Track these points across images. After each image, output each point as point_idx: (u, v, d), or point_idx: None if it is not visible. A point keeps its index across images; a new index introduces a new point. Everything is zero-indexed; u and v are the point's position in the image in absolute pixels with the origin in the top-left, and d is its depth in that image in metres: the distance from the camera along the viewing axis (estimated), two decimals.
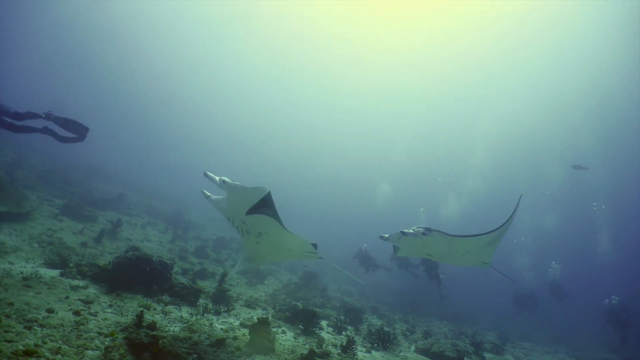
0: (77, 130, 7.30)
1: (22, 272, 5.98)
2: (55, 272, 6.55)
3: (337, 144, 60.50)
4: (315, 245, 5.44)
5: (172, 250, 12.49)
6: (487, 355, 10.68)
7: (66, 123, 7.21)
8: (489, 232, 5.14)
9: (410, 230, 5.38)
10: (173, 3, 47.04)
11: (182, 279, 7.72)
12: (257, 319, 5.91)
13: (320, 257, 5.62)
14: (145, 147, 58.91)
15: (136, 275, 6.69)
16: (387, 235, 5.55)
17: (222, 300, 7.91)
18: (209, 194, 5.61)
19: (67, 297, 5.37)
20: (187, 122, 65.75)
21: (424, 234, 5.30)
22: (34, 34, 49.44)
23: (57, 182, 15.74)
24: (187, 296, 7.04)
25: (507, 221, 5.18)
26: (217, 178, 5.21)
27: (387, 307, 16.17)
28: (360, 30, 47.63)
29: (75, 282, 6.25)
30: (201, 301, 7.33)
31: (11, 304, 4.53)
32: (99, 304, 5.52)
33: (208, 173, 5.27)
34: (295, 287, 11.74)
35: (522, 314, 19.45)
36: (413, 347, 9.23)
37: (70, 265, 7.07)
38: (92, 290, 6.11)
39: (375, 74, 51.47)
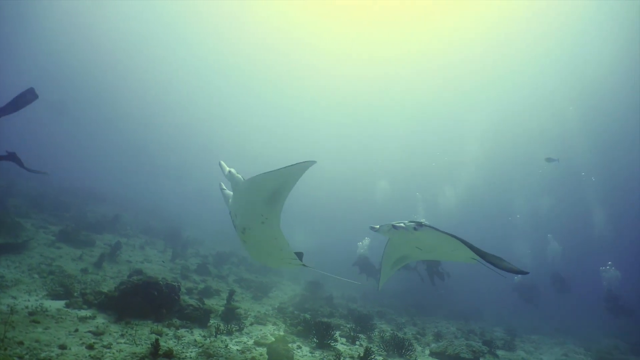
0: (26, 100, 6.16)
1: (27, 307, 5.79)
2: (60, 304, 6.35)
3: (333, 143, 60.54)
4: (300, 254, 5.44)
5: (174, 270, 12.27)
6: (500, 352, 10.63)
7: (14, 106, 5.85)
8: (473, 248, 4.93)
9: (402, 224, 5.24)
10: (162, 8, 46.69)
11: (191, 300, 7.55)
12: (274, 337, 5.78)
13: (303, 265, 5.53)
14: (133, 164, 58.08)
15: (144, 300, 6.53)
16: (378, 226, 5.41)
17: (232, 318, 7.77)
18: (224, 187, 5.79)
19: (76, 330, 5.20)
20: (176, 135, 64.99)
21: (415, 228, 5.16)
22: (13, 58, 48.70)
23: (50, 207, 15.43)
24: (198, 318, 6.88)
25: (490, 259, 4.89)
26: (227, 169, 5.29)
27: (393, 311, 16.06)
28: (355, 27, 47.92)
29: (83, 313, 6.06)
30: (212, 321, 7.18)
31: (21, 342, 4.36)
32: (110, 334, 5.35)
33: (222, 162, 5.43)
34: (301, 299, 11.61)
35: (525, 306, 19.59)
36: (427, 351, 9.15)
37: (75, 294, 6.89)
38: (100, 320, 5.93)
39: (369, 70, 51.73)
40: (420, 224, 5.18)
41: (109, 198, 25.34)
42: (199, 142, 64.31)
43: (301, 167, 4.30)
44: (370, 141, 55.62)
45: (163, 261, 12.98)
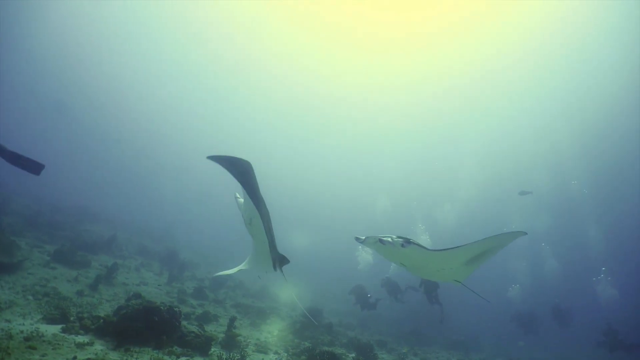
0: (30, 168, 6.33)
1: (22, 331, 5.54)
2: (56, 328, 6.09)
3: (330, 165, 60.97)
4: (284, 259, 5.54)
5: (171, 293, 11.95)
6: None
7: (15, 159, 6.26)
8: (460, 246, 4.79)
9: (389, 239, 5.04)
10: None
11: (191, 327, 7.29)
12: None
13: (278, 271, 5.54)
14: (127, 181, 57.50)
15: (144, 326, 6.28)
16: (363, 238, 5.20)
17: (232, 346, 7.51)
18: (238, 196, 6.01)
19: (74, 358, 4.95)
20: (176, 138, 64.59)
21: (402, 245, 4.98)
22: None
23: (45, 226, 15.13)
24: (199, 345, 6.62)
25: (482, 240, 4.71)
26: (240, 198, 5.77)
27: (392, 339, 15.68)
28: (355, 53, 49.43)
29: (80, 339, 5.80)
30: (213, 349, 6.91)
31: None
32: None
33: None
34: (301, 326, 11.28)
35: (524, 336, 19.22)
36: None
37: (71, 318, 6.63)
38: (99, 346, 5.68)
39: (373, 92, 52.91)
40: (408, 241, 5.01)
41: (103, 217, 24.99)
42: (198, 145, 63.84)
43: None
44: (372, 159, 56.20)
45: (159, 285, 12.66)
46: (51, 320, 6.42)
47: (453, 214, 43.48)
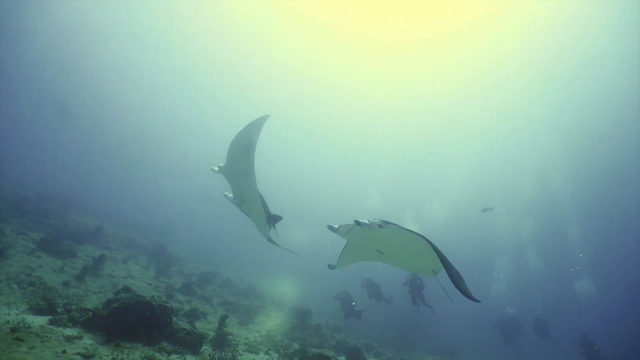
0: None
1: (8, 322, 5.31)
2: (43, 320, 5.87)
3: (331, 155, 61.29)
4: (276, 217, 6.44)
5: (158, 288, 11.72)
6: None
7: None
8: (434, 248, 4.57)
9: (366, 221, 4.78)
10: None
11: (183, 324, 7.12)
12: None
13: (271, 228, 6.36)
14: (116, 174, 56.66)
15: (136, 321, 6.09)
16: (337, 226, 4.92)
17: (223, 344, 7.36)
18: (227, 193, 7.08)
19: (64, 352, 4.76)
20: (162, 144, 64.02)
21: (380, 226, 4.73)
22: None
23: (30, 213, 14.74)
24: (190, 343, 6.46)
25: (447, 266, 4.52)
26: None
27: (378, 343, 15.65)
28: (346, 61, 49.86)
29: (69, 332, 5.60)
30: (204, 348, 6.75)
31: None
32: (100, 357, 4.92)
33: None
34: (290, 327, 11.16)
35: (507, 344, 19.33)
36: None
37: (59, 310, 6.41)
38: (88, 340, 5.48)
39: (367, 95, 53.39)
40: (385, 222, 4.78)
41: (90, 207, 24.52)
42: (192, 143, 63.26)
43: (258, 123, 5.38)
44: (363, 160, 56.57)
45: (149, 283, 12.40)
46: (38, 311, 6.20)
47: (442, 215, 44.06)
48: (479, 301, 4.39)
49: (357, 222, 4.75)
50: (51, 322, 5.82)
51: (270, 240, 6.71)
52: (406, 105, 50.99)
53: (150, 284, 11.85)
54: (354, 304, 15.11)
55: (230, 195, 7.44)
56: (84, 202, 24.94)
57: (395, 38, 46.64)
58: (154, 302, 6.48)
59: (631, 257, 40.12)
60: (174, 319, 7.32)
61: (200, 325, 8.69)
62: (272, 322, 12.68)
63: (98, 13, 45.78)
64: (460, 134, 47.33)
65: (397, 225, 4.76)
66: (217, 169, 7.20)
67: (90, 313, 6.30)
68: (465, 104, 46.53)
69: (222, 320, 7.77)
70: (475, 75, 44.60)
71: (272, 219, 6.47)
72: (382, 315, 21.73)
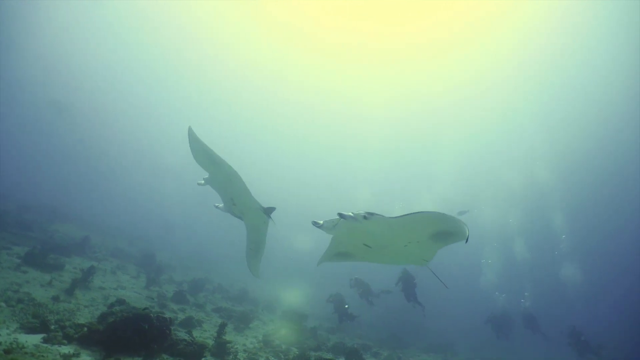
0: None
1: (0, 342, 5.09)
2: (36, 338, 5.65)
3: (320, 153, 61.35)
4: (270, 208, 7.13)
5: (150, 298, 11.46)
6: None
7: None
8: (422, 212, 4.54)
9: (350, 214, 4.64)
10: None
11: (181, 334, 6.96)
12: None
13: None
14: (101, 180, 55.67)
15: (134, 334, 5.92)
16: (322, 222, 4.79)
17: (223, 353, 7.23)
18: (217, 204, 8.10)
19: None
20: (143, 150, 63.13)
21: (365, 217, 4.59)
22: None
23: (13, 226, 14.27)
24: (191, 354, 6.32)
25: (444, 215, 4.53)
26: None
27: (373, 343, 15.66)
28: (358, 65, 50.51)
29: (65, 350, 5.40)
30: (206, 357, 6.61)
31: None
32: None
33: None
34: (287, 331, 11.06)
35: (498, 338, 19.54)
36: None
37: (52, 327, 6.18)
38: (86, 357, 5.30)
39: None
40: (370, 213, 4.65)
41: (73, 217, 23.92)
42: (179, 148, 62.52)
43: (191, 136, 6.95)
44: (353, 151, 56.77)
45: (138, 289, 12.14)
46: (30, 330, 5.96)
47: (430, 208, 44.57)
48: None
49: (340, 215, 4.61)
50: (45, 341, 5.60)
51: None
52: (393, 103, 51.63)
53: (141, 294, 11.59)
54: (347, 306, 15.01)
55: (221, 205, 8.08)
56: (67, 213, 24.32)
57: (382, 40, 47.35)
58: (151, 314, 6.31)
59: (615, 242, 41.31)
60: (172, 329, 7.17)
61: (197, 334, 8.50)
62: (267, 327, 12.57)
63: (98, 13, 45.03)
64: (447, 128, 48.25)
65: (382, 215, 4.63)
66: (203, 182, 7.80)
67: (85, 328, 6.11)
68: (451, 98, 47.51)
69: (221, 329, 7.63)
70: (460, 70, 45.41)
71: (267, 211, 7.08)
72: (375, 314, 21.79)
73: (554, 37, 37.94)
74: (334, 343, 11.87)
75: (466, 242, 4.59)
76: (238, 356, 7.41)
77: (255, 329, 11.90)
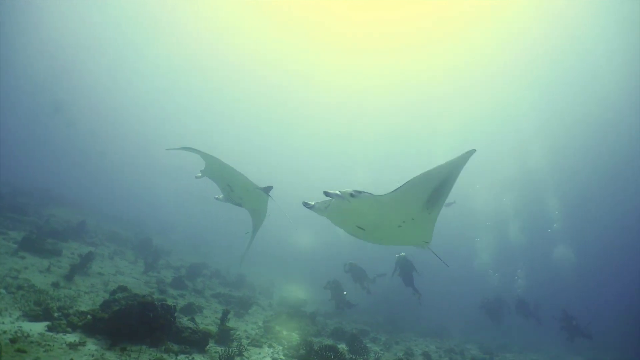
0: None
1: (5, 331, 5.01)
2: (41, 326, 5.58)
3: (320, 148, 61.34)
4: (268, 187, 7.35)
5: (149, 283, 11.43)
6: None
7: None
8: (411, 180, 4.26)
9: (337, 192, 4.42)
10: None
11: (187, 322, 6.92)
12: None
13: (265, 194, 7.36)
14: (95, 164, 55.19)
15: (139, 323, 5.87)
16: (313, 203, 4.62)
17: (226, 340, 7.23)
18: (218, 196, 8.41)
19: None
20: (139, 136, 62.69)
21: (352, 195, 4.35)
22: None
23: (7, 210, 14.05)
24: (196, 342, 6.30)
25: (434, 168, 4.27)
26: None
27: (370, 328, 15.81)
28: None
29: (70, 338, 5.34)
30: (210, 345, 6.61)
31: None
32: None
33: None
34: (287, 317, 11.09)
35: (493, 323, 19.82)
36: None
37: (56, 315, 6.11)
38: (92, 346, 5.25)
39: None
40: (358, 191, 4.43)
41: (68, 200, 23.65)
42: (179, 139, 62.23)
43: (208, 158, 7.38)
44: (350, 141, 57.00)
45: (136, 274, 12.08)
46: (33, 318, 5.88)
47: None
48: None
49: (326, 193, 4.42)
50: (50, 329, 5.54)
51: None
52: (390, 92, 51.48)
53: (140, 279, 11.55)
54: (345, 293, 15.00)
55: (220, 196, 8.32)
56: (62, 196, 24.04)
57: (375, 31, 47.06)
58: (155, 302, 6.26)
59: (607, 224, 41.93)
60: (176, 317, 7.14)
61: (198, 320, 8.50)
62: (266, 313, 12.63)
63: (97, 13, 44.29)
64: (442, 115, 48.46)
65: (370, 193, 4.45)
66: (200, 174, 8.05)
67: (89, 316, 6.04)
68: (446, 86, 47.41)
69: (224, 316, 7.61)
70: (454, 58, 45.27)
71: (266, 190, 7.31)
72: (370, 299, 21.99)
73: (547, 24, 37.85)
74: (333, 328, 11.96)
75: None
76: (242, 342, 7.41)
77: (254, 314, 11.95)
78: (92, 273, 10.29)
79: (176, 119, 62.70)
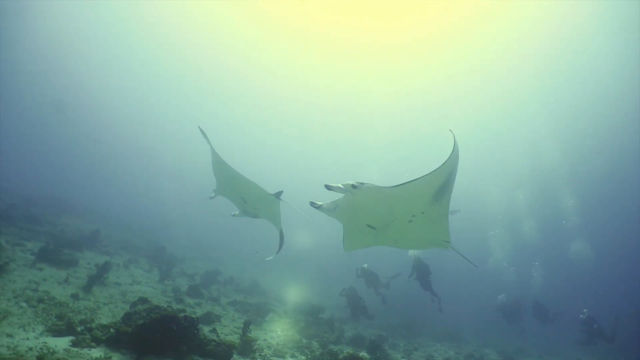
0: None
1: (30, 348, 4.93)
2: (65, 342, 5.50)
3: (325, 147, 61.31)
4: (278, 192, 7.35)
5: (166, 292, 11.35)
6: None
7: None
8: (418, 178, 4.07)
9: (339, 185, 4.22)
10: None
11: (210, 334, 6.81)
12: None
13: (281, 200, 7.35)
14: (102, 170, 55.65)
15: (163, 336, 5.77)
16: (320, 203, 4.45)
17: (249, 351, 7.11)
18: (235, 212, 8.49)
19: None
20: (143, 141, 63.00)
21: (354, 186, 4.14)
22: None
23: (22, 221, 14.08)
24: (220, 355, 6.18)
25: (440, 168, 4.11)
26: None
27: (387, 333, 15.61)
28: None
29: (95, 353, 5.25)
30: (234, 357, 6.49)
31: None
32: None
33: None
34: (305, 324, 10.96)
35: (510, 327, 19.47)
36: None
37: (79, 329, 6.02)
38: None
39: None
40: (361, 183, 4.19)
41: (80, 209, 23.73)
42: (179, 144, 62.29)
43: (213, 155, 7.44)
44: (361, 144, 57.30)
45: (152, 283, 12.01)
46: (57, 333, 5.80)
47: None
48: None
49: (327, 186, 4.23)
50: (74, 344, 5.45)
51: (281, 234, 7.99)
52: (400, 94, 51.56)
53: (156, 289, 11.47)
54: (362, 300, 14.80)
55: (237, 212, 8.44)
56: (74, 205, 24.13)
57: (386, 35, 47.20)
58: (178, 315, 6.16)
59: (624, 219, 41.24)
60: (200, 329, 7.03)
61: (218, 330, 8.40)
62: (282, 320, 12.49)
63: (97, 12, 44.69)
64: (453, 113, 48.37)
65: (374, 185, 4.21)
66: (214, 194, 8.23)
67: (112, 330, 5.97)
68: (457, 85, 47.41)
69: (246, 326, 7.49)
70: (465, 56, 45.18)
71: (277, 195, 7.35)
72: (381, 303, 21.75)
73: (558, 20, 37.55)
74: (352, 335, 11.80)
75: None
76: (264, 353, 7.28)
77: (272, 322, 11.82)
78: (109, 283, 10.24)
79: (192, 120, 63.04)
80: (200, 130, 7.25)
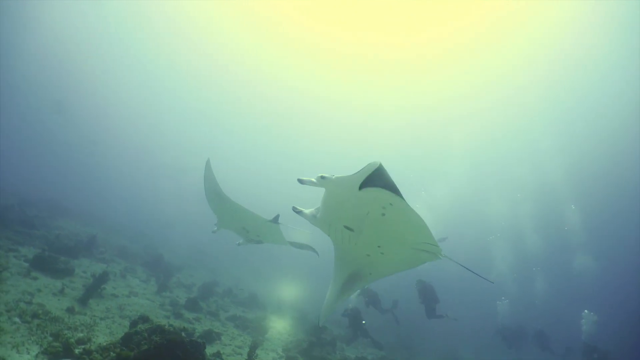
0: None
1: None
2: None
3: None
4: (275, 217, 7.32)
5: (164, 306, 10.91)
6: None
7: None
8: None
9: (312, 179, 4.06)
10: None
11: (213, 359, 6.42)
12: None
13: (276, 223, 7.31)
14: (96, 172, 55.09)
15: None
16: (301, 209, 4.32)
17: None
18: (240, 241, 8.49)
19: None
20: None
21: (322, 177, 3.97)
22: None
23: (16, 224, 13.60)
24: None
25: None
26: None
27: (387, 353, 15.20)
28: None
29: None
30: None
31: None
32: None
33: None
34: (308, 345, 10.54)
35: (509, 348, 19.09)
36: None
37: (77, 352, 5.60)
38: None
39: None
40: (332, 175, 3.99)
41: (76, 212, 23.23)
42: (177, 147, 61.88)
43: (207, 170, 7.30)
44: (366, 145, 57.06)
45: (152, 300, 11.55)
46: (53, 356, 5.38)
47: (444, 200, 44.55)
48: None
49: (299, 180, 4.11)
50: None
51: (294, 244, 7.99)
52: (406, 106, 51.63)
53: (154, 301, 11.03)
54: (364, 322, 14.44)
55: (241, 241, 8.44)
56: (70, 207, 23.63)
57: (393, 49, 47.62)
58: (185, 340, 5.76)
59: (629, 234, 41.02)
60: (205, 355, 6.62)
61: (220, 350, 7.98)
62: (283, 339, 12.06)
63: (97, 12, 44.60)
64: (458, 126, 48.40)
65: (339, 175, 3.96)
66: (216, 228, 8.29)
67: (112, 354, 5.55)
68: (462, 99, 47.63)
69: (253, 350, 7.09)
70: (470, 71, 45.41)
71: (274, 220, 7.35)
72: (379, 319, 21.32)
73: (561, 32, 37.86)
74: (355, 357, 11.39)
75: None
76: None
77: (273, 340, 11.41)
78: (105, 295, 9.78)
79: (193, 123, 62.72)
80: (208, 165, 7.34)
